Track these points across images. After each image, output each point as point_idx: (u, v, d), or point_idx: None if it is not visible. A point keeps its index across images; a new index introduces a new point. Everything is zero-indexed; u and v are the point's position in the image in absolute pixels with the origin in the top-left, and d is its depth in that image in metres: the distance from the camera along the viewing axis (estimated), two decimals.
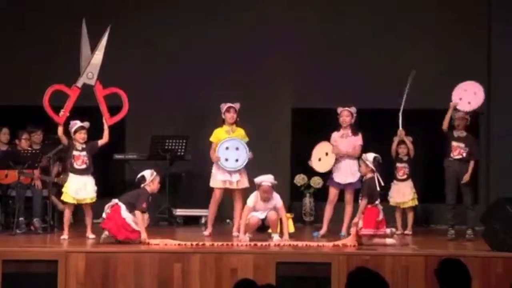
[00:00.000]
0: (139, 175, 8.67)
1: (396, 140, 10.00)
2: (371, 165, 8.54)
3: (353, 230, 8.44)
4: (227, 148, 9.30)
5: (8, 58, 11.59)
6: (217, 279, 7.64)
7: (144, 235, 8.30)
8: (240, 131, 9.45)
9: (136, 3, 11.77)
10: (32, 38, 11.62)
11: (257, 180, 8.82)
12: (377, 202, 8.49)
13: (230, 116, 9.42)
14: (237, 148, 9.29)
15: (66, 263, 7.62)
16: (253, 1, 11.84)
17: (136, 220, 8.32)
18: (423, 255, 7.79)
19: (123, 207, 8.34)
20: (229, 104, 9.45)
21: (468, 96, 9.44)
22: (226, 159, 9.28)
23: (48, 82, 9.44)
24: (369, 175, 8.55)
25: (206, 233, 9.27)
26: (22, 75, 11.50)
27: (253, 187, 9.10)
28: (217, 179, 9.32)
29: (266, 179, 8.78)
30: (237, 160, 9.27)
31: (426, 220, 11.19)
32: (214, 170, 9.37)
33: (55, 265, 7.62)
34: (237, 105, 9.46)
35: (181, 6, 11.78)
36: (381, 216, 8.46)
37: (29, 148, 9.80)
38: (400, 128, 9.94)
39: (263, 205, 8.84)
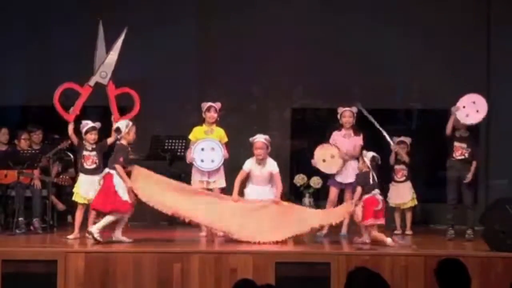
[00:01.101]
0: (114, 126, 8.72)
1: (393, 155, 10.01)
2: (368, 163, 8.65)
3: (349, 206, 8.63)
4: (202, 149, 9.26)
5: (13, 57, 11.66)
6: (216, 279, 7.65)
7: (129, 184, 8.42)
8: (220, 131, 9.40)
9: (137, 4, 11.79)
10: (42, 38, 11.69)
11: (251, 138, 8.97)
12: (374, 192, 8.55)
13: (210, 116, 9.38)
14: (212, 149, 9.24)
15: (66, 263, 7.63)
16: (253, 0, 11.85)
17: (128, 190, 8.43)
18: (422, 255, 7.79)
19: (114, 174, 8.45)
20: (209, 103, 9.42)
21: (471, 109, 9.40)
22: (202, 160, 9.24)
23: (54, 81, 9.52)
24: (364, 170, 8.68)
25: (203, 233, 9.26)
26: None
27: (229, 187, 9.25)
28: (195, 179, 9.30)
29: (259, 136, 8.98)
30: (212, 161, 9.24)
31: (426, 220, 11.19)
32: (193, 170, 9.36)
33: (54, 265, 7.63)
34: (218, 105, 9.43)
35: (182, 6, 11.79)
36: (380, 206, 8.52)
37: (29, 148, 9.81)
38: (396, 145, 9.94)
39: (259, 170, 8.95)
